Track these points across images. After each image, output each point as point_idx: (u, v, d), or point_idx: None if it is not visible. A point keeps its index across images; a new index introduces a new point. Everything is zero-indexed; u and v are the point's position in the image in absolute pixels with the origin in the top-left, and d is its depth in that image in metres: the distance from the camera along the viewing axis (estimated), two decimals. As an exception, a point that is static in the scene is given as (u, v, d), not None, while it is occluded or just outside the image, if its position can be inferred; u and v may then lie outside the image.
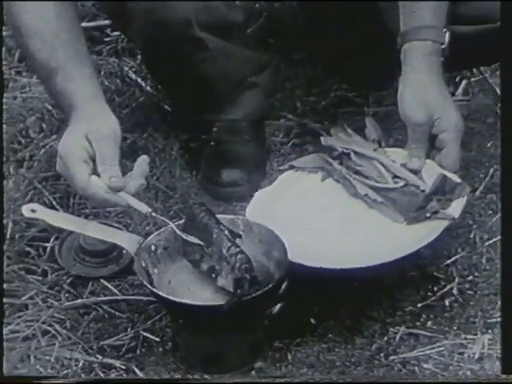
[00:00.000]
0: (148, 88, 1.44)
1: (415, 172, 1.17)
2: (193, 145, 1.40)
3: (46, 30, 1.14)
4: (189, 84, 1.32)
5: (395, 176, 1.18)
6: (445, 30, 1.18)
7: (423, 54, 1.17)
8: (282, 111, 1.48)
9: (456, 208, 1.13)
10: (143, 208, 1.11)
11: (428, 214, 1.14)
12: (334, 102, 1.48)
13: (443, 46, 1.17)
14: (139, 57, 1.51)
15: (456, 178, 1.16)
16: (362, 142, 1.24)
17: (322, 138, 1.26)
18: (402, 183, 1.17)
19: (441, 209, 1.13)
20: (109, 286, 1.21)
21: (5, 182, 1.30)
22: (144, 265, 1.13)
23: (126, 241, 1.16)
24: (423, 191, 1.15)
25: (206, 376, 1.12)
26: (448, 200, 1.14)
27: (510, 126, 1.09)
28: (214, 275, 1.09)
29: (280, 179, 1.24)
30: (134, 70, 1.46)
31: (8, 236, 1.22)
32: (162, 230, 1.16)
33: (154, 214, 1.12)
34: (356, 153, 1.21)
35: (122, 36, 1.54)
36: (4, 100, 1.43)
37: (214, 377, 1.12)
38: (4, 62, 1.49)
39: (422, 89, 1.16)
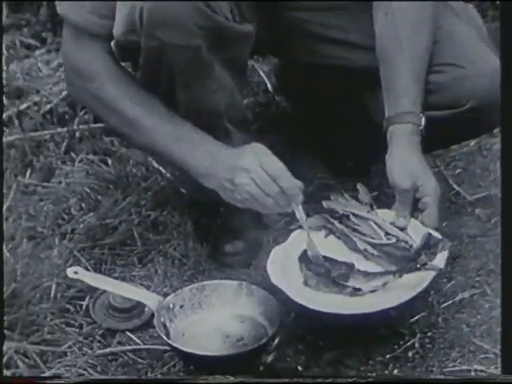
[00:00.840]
0: (168, 175, 1.67)
1: (402, 229, 1.40)
2: (203, 221, 1.63)
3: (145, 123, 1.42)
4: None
5: (387, 233, 1.41)
6: (421, 114, 1.42)
7: (405, 134, 1.42)
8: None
9: (440, 260, 1.36)
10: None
11: (418, 266, 1.36)
12: (318, 187, 1.71)
13: (421, 128, 1.42)
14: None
15: (438, 235, 1.39)
16: (357, 205, 1.46)
17: (323, 202, 1.48)
18: (394, 239, 1.39)
19: (428, 261, 1.36)
20: (133, 337, 1.44)
21: (50, 251, 1.54)
22: (162, 320, 1.39)
23: (149, 299, 1.42)
24: (411, 246, 1.37)
25: (205, 376, 1.31)
26: (433, 253, 1.37)
27: (509, 126, 1.23)
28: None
29: (292, 236, 1.45)
30: (155, 160, 1.70)
31: (52, 295, 1.46)
32: (179, 291, 1.41)
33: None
34: (354, 214, 1.44)
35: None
36: (51, 184, 1.70)
37: (214, 377, 1.31)
38: (52, 154, 1.76)
39: (406, 161, 1.40)
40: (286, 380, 1.28)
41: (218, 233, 1.59)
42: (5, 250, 1.46)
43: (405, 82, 1.44)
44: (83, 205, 1.63)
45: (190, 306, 1.41)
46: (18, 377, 1.36)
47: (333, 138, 1.74)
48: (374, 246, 1.39)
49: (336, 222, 1.43)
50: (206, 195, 1.50)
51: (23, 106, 1.91)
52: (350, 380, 1.29)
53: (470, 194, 1.72)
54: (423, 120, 1.43)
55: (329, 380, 1.29)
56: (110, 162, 1.75)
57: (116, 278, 1.52)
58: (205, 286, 1.43)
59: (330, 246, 1.43)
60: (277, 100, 1.90)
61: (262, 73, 1.95)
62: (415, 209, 1.41)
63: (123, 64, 1.50)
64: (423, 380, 1.32)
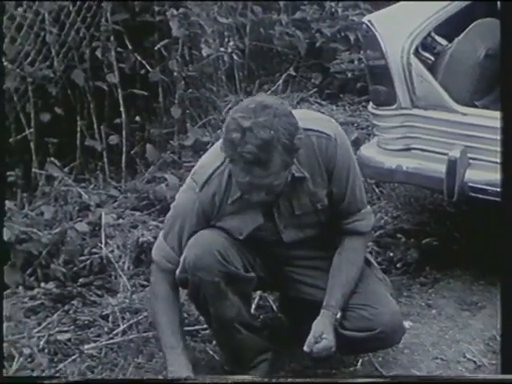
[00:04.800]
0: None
1: None
2: None
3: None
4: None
5: None
6: (338, 310, 2.40)
7: (327, 315, 2.41)
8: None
9: None
10: None
11: None
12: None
13: (337, 317, 2.40)
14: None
15: None
16: None
17: None
18: None
19: None
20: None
21: None
22: None
23: None
24: None
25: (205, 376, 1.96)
26: None
27: (509, 126, 1.79)
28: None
29: None
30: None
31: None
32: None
33: None
34: None
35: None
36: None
37: (214, 377, 1.84)
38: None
39: (320, 326, 2.38)
40: (286, 380, 1.70)
41: None
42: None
43: (336, 291, 2.43)
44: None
45: None
46: (18, 377, 1.79)
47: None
48: None
49: None
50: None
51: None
52: (349, 380, 1.75)
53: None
54: (339, 314, 2.43)
55: (329, 380, 1.81)
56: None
57: None
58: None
59: None
60: (279, 316, 2.87)
61: (270, 300, 2.89)
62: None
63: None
64: (423, 380, 1.68)
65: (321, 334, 2.38)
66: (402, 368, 2.63)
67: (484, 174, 2.72)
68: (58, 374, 2.60)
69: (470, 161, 2.78)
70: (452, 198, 2.82)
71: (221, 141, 2.34)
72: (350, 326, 2.45)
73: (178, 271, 2.43)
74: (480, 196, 2.75)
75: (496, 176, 2.41)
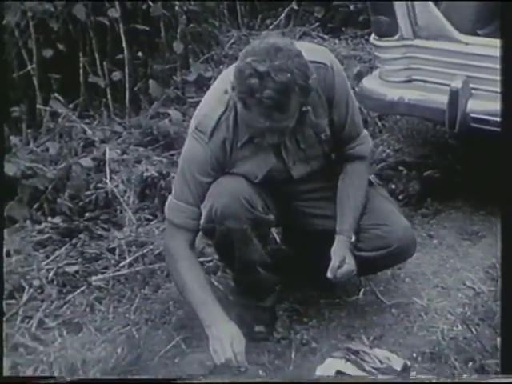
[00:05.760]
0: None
1: (389, 360, 2.33)
2: (242, 314, 2.53)
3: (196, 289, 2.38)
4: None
5: (380, 361, 2.32)
6: (352, 233, 2.45)
7: (342, 240, 2.43)
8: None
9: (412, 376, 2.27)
10: None
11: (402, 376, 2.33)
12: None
13: (351, 240, 2.44)
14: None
15: (408, 363, 2.31)
16: (363, 345, 2.40)
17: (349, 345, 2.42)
18: (385, 365, 2.32)
19: (407, 376, 2.30)
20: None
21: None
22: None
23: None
24: (396, 369, 2.30)
25: (205, 376, 1.94)
26: (408, 372, 2.31)
27: (510, 126, 1.72)
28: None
29: (327, 361, 2.32)
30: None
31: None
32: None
33: None
34: (362, 350, 2.34)
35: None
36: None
37: (214, 377, 1.82)
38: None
39: (339, 251, 2.41)
40: (286, 380, 1.81)
41: (250, 320, 2.56)
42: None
43: (347, 216, 2.47)
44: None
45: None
46: (17, 377, 1.81)
47: (314, 264, 2.64)
48: (373, 368, 2.30)
49: (351, 355, 2.37)
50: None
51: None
52: (349, 380, 1.78)
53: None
54: (353, 237, 2.46)
55: (329, 380, 1.78)
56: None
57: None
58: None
59: (348, 368, 2.28)
60: (282, 247, 2.94)
61: (274, 233, 2.93)
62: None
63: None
64: (423, 381, 1.73)
65: (343, 259, 2.40)
66: (404, 296, 2.69)
67: (486, 104, 2.73)
68: (67, 305, 2.67)
69: (472, 91, 2.79)
70: (454, 128, 2.83)
71: (220, 84, 2.34)
72: (366, 246, 2.48)
73: (202, 222, 2.39)
74: (481, 126, 2.76)
75: (498, 106, 2.41)
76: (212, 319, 2.36)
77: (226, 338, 2.32)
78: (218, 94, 2.36)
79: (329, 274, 2.39)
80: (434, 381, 1.56)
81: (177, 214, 2.44)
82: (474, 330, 2.44)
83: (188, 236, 2.44)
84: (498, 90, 2.29)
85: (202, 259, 2.82)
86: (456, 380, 1.57)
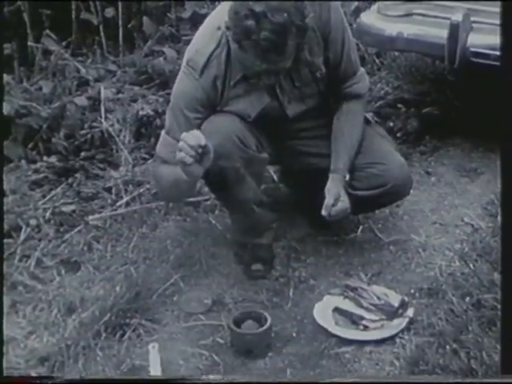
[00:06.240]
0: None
1: (386, 296, 2.38)
2: (240, 253, 2.59)
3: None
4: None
5: (378, 297, 2.37)
6: (346, 172, 2.44)
7: (336, 178, 2.42)
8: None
9: (410, 311, 2.32)
10: None
11: (400, 312, 2.34)
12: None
13: (346, 179, 2.42)
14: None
15: (406, 299, 2.37)
16: (360, 282, 2.44)
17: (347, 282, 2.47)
18: (382, 301, 2.37)
19: (404, 311, 2.37)
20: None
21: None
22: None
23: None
24: (393, 305, 2.34)
25: (205, 376, 1.90)
26: (405, 309, 2.34)
27: (509, 126, 1.59)
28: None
29: (325, 298, 2.41)
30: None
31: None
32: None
33: None
34: (360, 287, 2.41)
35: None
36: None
37: (213, 377, 1.76)
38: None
39: (334, 188, 2.40)
40: (286, 380, 1.68)
41: (248, 257, 2.57)
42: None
43: (342, 154, 2.45)
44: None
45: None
46: (16, 377, 1.74)
47: (311, 203, 2.65)
48: (371, 304, 2.36)
49: (349, 291, 2.42)
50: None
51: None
52: (349, 380, 1.75)
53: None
54: (348, 176, 2.44)
55: (329, 380, 1.74)
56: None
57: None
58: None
59: (347, 305, 2.38)
60: (280, 186, 2.93)
61: (271, 172, 2.93)
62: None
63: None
64: (422, 380, 1.68)
65: (337, 197, 2.40)
66: (402, 233, 2.69)
67: (486, 38, 2.67)
68: (64, 244, 2.67)
69: (473, 25, 2.74)
70: (453, 63, 2.78)
71: (213, 20, 2.30)
72: (361, 185, 2.47)
73: None
74: (482, 61, 2.71)
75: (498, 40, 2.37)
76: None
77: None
78: (211, 30, 2.32)
79: (323, 212, 2.39)
80: (434, 381, 1.58)
81: (163, 147, 2.42)
82: (471, 266, 2.44)
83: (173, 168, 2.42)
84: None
85: (199, 198, 2.83)
86: (456, 380, 1.58)
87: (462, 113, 3.20)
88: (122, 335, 2.31)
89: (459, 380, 1.50)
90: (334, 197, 2.40)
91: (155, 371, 2.13)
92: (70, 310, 2.37)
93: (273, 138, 2.50)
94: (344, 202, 2.41)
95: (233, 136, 2.35)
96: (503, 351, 1.42)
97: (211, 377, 1.72)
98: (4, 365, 1.86)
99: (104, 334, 2.29)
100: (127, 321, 2.34)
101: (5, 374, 1.72)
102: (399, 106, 3.27)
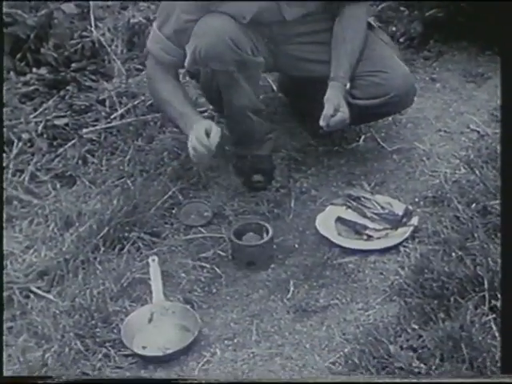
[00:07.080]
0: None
1: (390, 205, 2.35)
2: (239, 164, 2.53)
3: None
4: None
5: (382, 207, 2.34)
6: (347, 81, 2.35)
7: (336, 86, 2.34)
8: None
9: (415, 220, 2.29)
10: None
11: (404, 221, 2.31)
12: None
13: (346, 87, 2.35)
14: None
15: (411, 208, 2.33)
16: (364, 191, 2.40)
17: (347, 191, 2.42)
18: (386, 210, 2.34)
19: (408, 220, 2.34)
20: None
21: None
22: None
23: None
24: (397, 214, 2.32)
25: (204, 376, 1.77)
26: (410, 217, 2.30)
27: (510, 126, 1.53)
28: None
29: (328, 208, 2.38)
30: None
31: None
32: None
33: None
34: (363, 196, 2.38)
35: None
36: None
37: (213, 377, 1.67)
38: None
39: (334, 98, 2.32)
40: (286, 380, 1.56)
41: (248, 169, 2.50)
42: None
43: (343, 61, 2.37)
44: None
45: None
46: (17, 377, 1.65)
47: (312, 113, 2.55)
48: (375, 214, 2.33)
49: (352, 201, 2.38)
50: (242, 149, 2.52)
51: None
52: (350, 380, 1.56)
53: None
54: (348, 84, 2.36)
55: (329, 380, 1.56)
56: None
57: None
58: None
59: (349, 214, 2.36)
60: (279, 95, 2.84)
61: (270, 81, 2.85)
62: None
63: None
64: (422, 380, 1.54)
65: (336, 108, 2.32)
66: (405, 142, 2.62)
67: None
68: (58, 158, 2.60)
69: None
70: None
71: None
72: (362, 94, 2.39)
73: (186, 63, 2.32)
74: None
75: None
76: (191, 123, 2.35)
77: (201, 129, 2.30)
78: None
79: (321, 122, 2.31)
80: (434, 381, 1.54)
81: (154, 43, 2.40)
82: (477, 173, 2.39)
83: (170, 70, 2.41)
84: None
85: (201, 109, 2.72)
86: (456, 380, 1.53)
87: (468, 15, 3.06)
88: (121, 249, 2.27)
89: (459, 380, 1.48)
90: (333, 106, 2.32)
91: (156, 284, 2.10)
92: (67, 225, 2.32)
93: (269, 42, 2.42)
94: (343, 113, 2.33)
95: (226, 37, 2.26)
96: (503, 351, 1.40)
97: (211, 377, 1.70)
98: (4, 279, 1.91)
99: (103, 248, 2.26)
100: (126, 234, 2.30)
101: (5, 291, 1.82)
102: (402, 8, 3.13)
